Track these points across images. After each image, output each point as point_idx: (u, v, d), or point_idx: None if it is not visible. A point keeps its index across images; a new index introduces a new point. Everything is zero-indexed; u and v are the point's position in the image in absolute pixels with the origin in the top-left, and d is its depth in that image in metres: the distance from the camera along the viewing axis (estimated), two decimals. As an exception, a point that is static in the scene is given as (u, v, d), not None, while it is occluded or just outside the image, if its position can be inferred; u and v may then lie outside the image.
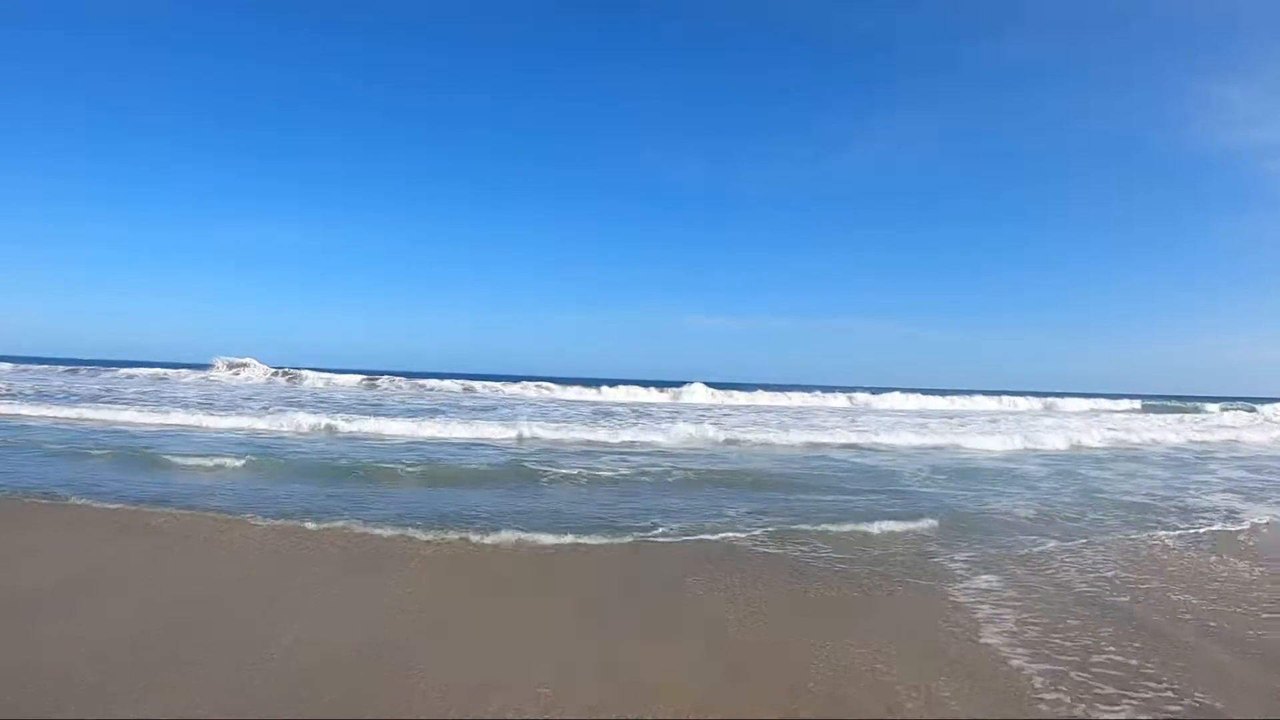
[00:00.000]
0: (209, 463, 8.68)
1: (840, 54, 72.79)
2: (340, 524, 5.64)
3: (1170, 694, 3.00)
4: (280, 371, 35.32)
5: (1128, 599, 4.38)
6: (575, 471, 8.92)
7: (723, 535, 5.73)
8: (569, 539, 5.42)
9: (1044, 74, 72.26)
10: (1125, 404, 34.76)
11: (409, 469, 8.82)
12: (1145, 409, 32.51)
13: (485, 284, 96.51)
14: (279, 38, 69.58)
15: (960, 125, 74.27)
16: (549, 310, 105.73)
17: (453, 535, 5.46)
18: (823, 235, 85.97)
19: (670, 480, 8.69)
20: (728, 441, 13.54)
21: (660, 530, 5.85)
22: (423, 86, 74.81)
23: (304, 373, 34.23)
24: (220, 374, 34.71)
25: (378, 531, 5.48)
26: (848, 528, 6.09)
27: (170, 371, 35.09)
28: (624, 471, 9.13)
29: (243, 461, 8.84)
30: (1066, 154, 75.86)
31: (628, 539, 5.58)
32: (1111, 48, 68.33)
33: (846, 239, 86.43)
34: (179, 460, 8.82)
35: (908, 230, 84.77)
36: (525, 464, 9.36)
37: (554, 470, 8.89)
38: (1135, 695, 2.99)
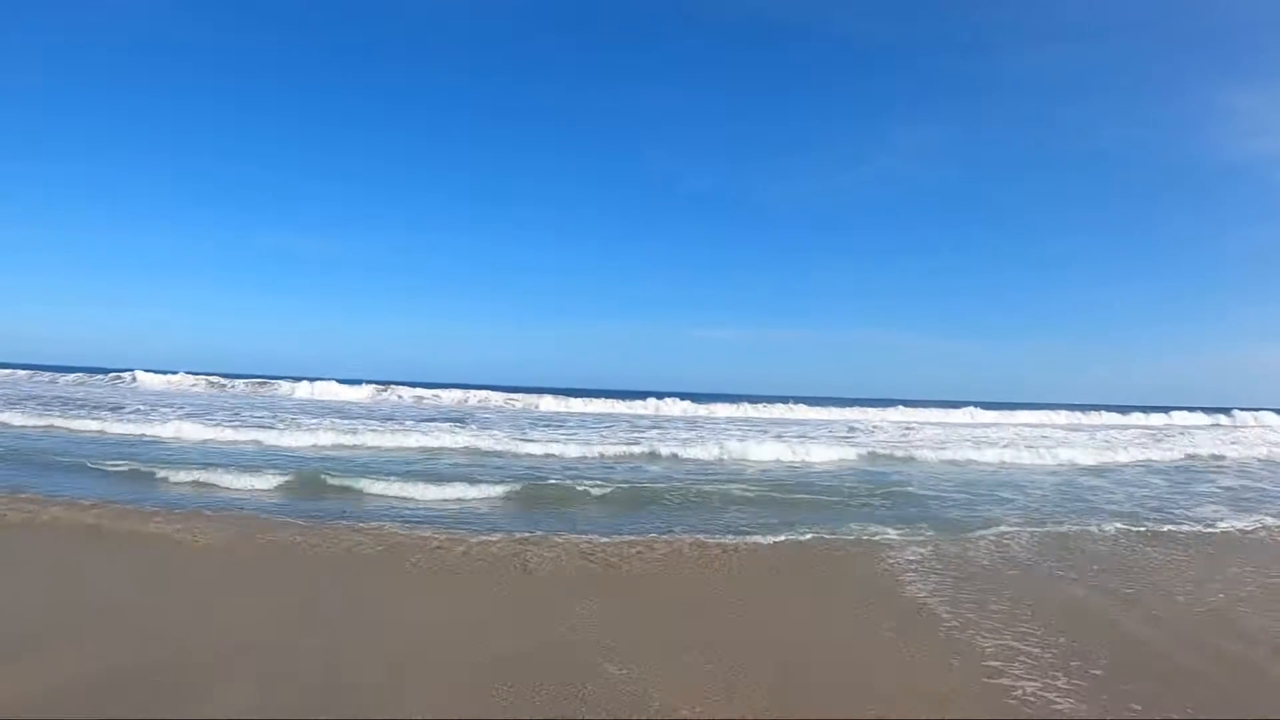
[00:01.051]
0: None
1: (857, 67, 74.14)
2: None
3: (1041, 631, 4.21)
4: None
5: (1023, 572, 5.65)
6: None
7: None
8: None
9: (1060, 85, 72.61)
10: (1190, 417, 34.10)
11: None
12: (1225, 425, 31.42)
13: (494, 296, 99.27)
14: (315, 60, 73.66)
15: (976, 137, 74.78)
16: (562, 321, 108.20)
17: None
18: (840, 246, 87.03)
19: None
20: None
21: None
22: (442, 105, 78.06)
23: (332, 384, 33.69)
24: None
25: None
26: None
27: (173, 378, 35.42)
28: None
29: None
30: (1083, 164, 75.94)
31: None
32: (1127, 57, 68.38)
33: (864, 250, 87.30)
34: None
35: (926, 241, 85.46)
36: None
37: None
38: (1014, 629, 3.80)
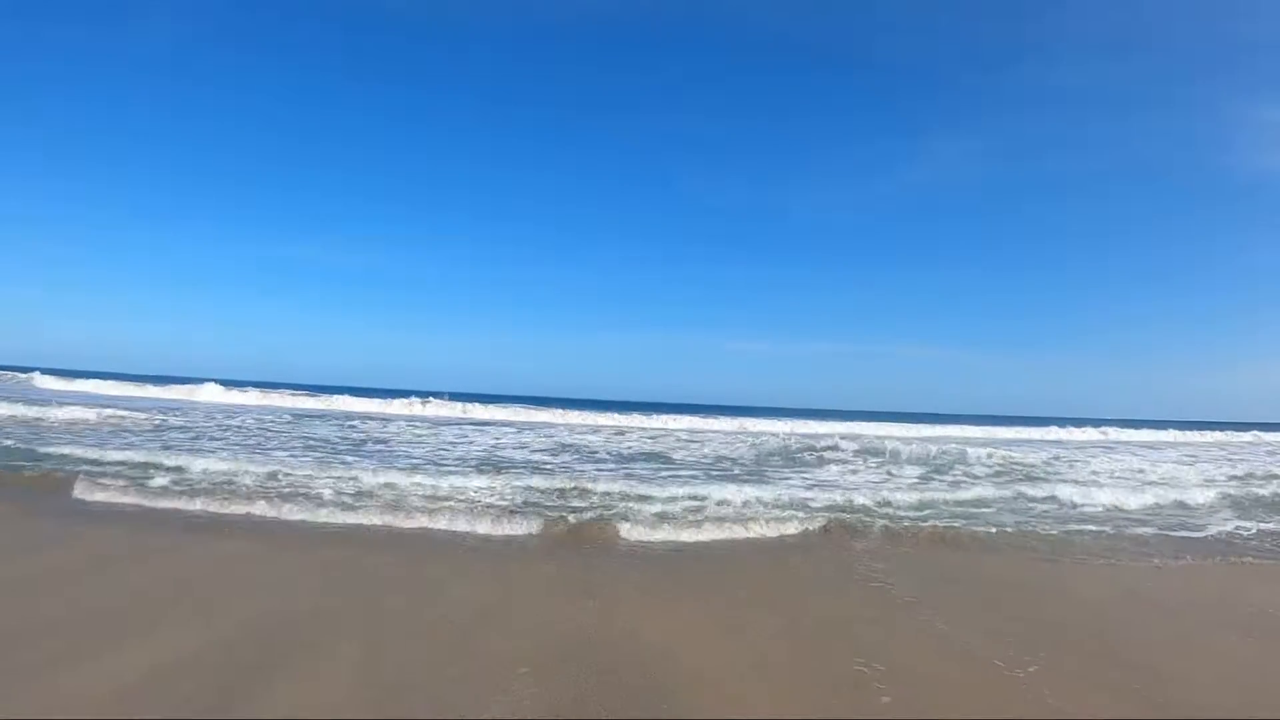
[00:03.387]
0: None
1: (887, 84, 75.70)
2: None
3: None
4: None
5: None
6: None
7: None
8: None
9: (1091, 100, 74.38)
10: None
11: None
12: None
13: (515, 310, 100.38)
14: (372, 94, 75.47)
15: (1007, 151, 76.66)
16: (590, 334, 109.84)
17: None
18: (873, 261, 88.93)
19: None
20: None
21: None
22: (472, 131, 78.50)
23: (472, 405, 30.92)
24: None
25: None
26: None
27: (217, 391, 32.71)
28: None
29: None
30: (1115, 177, 77.84)
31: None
32: (1158, 72, 69.67)
33: (892, 261, 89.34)
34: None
35: (958, 255, 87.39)
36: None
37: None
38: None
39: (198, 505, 7.21)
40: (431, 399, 32.38)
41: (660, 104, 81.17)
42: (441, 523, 6.88)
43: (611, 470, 11.47)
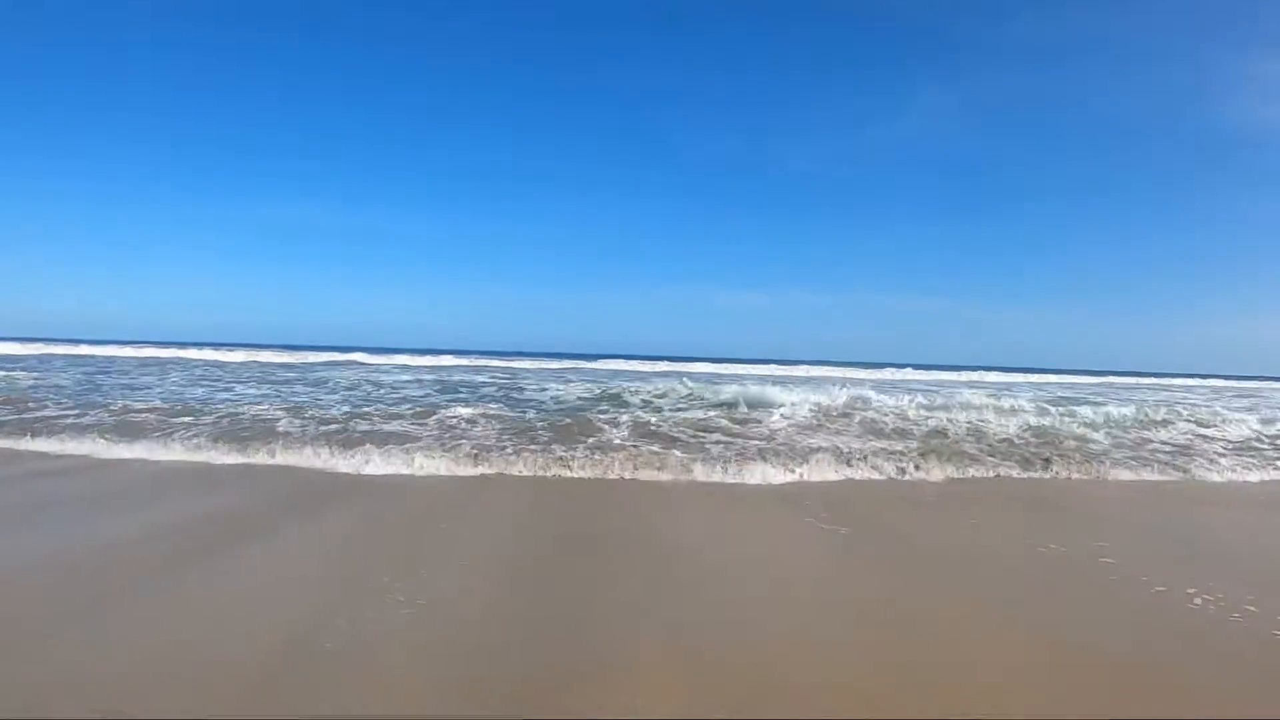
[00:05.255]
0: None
1: (878, 29, 73.01)
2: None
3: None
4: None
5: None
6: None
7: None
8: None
9: (1083, 49, 72.46)
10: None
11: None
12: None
13: (510, 266, 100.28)
14: (364, 59, 72.83)
15: (997, 101, 74.81)
16: (580, 289, 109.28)
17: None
18: (860, 210, 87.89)
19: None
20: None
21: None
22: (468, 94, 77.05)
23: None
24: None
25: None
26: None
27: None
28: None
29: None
30: (1106, 129, 76.65)
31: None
32: (1152, 23, 67.44)
33: (885, 214, 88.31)
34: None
35: (947, 205, 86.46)
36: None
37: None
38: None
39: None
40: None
41: (651, 56, 78.23)
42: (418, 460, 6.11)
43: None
